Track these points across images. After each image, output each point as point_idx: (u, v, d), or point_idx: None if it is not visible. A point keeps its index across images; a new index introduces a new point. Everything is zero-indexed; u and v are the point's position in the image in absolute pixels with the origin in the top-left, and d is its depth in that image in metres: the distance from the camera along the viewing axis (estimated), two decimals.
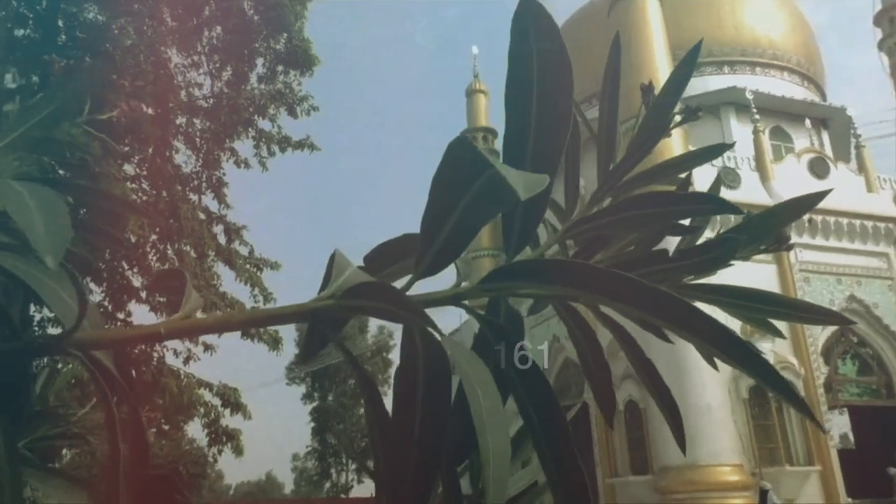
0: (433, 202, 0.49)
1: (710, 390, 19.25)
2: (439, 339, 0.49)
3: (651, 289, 0.50)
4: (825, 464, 19.91)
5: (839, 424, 22.93)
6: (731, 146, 0.79)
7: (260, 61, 11.97)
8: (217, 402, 11.35)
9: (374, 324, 41.33)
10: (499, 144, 36.27)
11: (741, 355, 0.52)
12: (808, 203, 0.75)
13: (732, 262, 0.74)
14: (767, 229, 0.74)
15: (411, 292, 0.58)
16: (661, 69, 22.43)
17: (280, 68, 12.21)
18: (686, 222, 0.78)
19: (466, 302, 0.66)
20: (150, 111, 10.30)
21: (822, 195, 0.78)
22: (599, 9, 26.82)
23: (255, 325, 0.67)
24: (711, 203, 0.64)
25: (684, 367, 19.37)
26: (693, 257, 0.66)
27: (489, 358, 0.73)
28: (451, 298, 0.57)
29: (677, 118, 0.83)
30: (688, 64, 0.76)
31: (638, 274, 0.66)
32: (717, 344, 0.51)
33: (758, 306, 0.71)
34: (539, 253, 0.69)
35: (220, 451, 11.80)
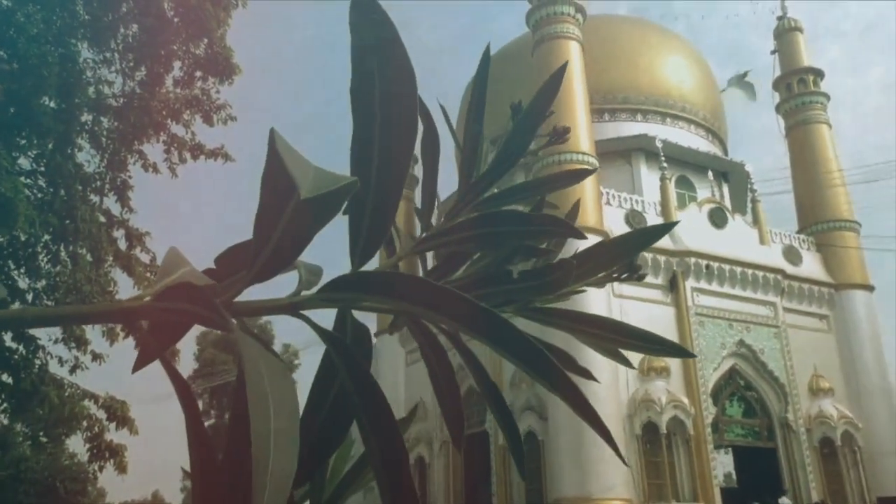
0: (263, 206, 0.48)
1: (606, 424, 19.77)
2: (252, 347, 0.47)
3: (481, 309, 0.50)
4: (709, 501, 20.73)
5: (724, 463, 23.91)
6: (594, 170, 0.81)
7: (177, 65, 11.61)
8: (102, 415, 10.75)
9: (278, 342, 40.34)
10: (419, 168, 36.67)
11: (554, 378, 0.53)
12: (653, 235, 0.78)
13: (585, 288, 0.76)
14: (615, 257, 0.77)
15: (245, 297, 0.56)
16: (579, 111, 23.26)
17: (199, 74, 11.89)
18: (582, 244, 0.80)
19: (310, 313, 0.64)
20: (52, 105, 9.79)
21: (666, 227, 0.81)
22: (523, 48, 27.60)
23: (60, 322, 0.63)
24: (560, 227, 0.66)
25: None
26: (532, 280, 0.67)
27: (334, 380, 0.72)
28: (285, 307, 0.55)
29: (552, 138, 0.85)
30: (552, 87, 0.78)
31: (486, 293, 0.67)
32: (533, 366, 0.52)
33: (608, 335, 0.73)
34: (389, 264, 0.68)
35: (101, 468, 11.15)
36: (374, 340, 32.20)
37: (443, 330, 0.66)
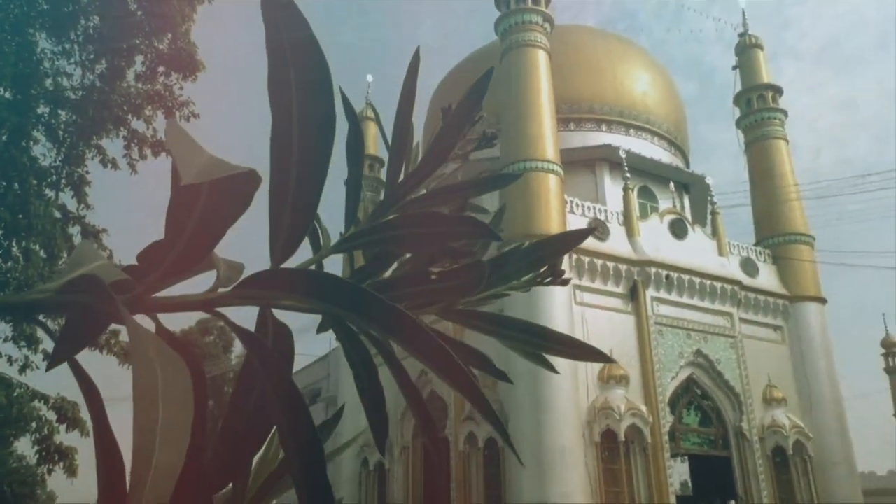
0: (173, 200, 0.47)
1: (565, 432, 19.93)
2: (143, 338, 0.46)
3: (391, 308, 0.50)
4: None
5: (680, 472, 24.25)
6: (518, 176, 0.82)
7: (139, 59, 11.41)
8: (52, 416, 10.48)
9: (238, 344, 39.80)
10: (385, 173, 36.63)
11: (457, 376, 0.53)
12: (574, 239, 0.78)
13: (509, 292, 0.76)
14: (535, 262, 0.77)
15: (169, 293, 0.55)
16: (545, 119, 23.47)
17: (161, 69, 11.70)
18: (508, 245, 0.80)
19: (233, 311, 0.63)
20: (7, 95, 9.54)
21: (587, 232, 0.82)
22: (490, 55, 27.75)
23: None
24: (477, 229, 0.66)
25: (543, 408, 19.98)
26: (449, 281, 0.67)
27: (257, 381, 0.71)
28: (200, 304, 0.54)
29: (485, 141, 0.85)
30: (479, 89, 0.78)
31: (409, 293, 0.66)
32: (436, 363, 0.52)
33: (533, 340, 0.73)
34: (312, 262, 0.68)
35: (49, 471, 10.86)
36: (336, 344, 31.94)
37: (366, 332, 0.65)
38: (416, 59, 0.76)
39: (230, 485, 0.81)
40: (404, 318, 0.50)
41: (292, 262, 0.68)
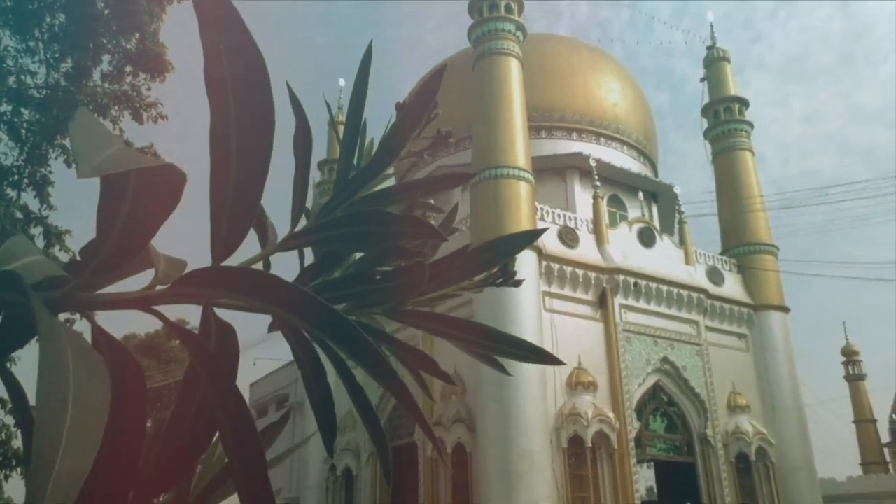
0: (103, 197, 0.46)
1: (533, 437, 19.98)
2: (57, 337, 0.44)
3: (325, 308, 0.50)
4: None
5: (646, 477, 24.47)
6: (472, 175, 0.83)
7: (107, 58, 11.24)
8: (10, 420, 10.24)
9: None
10: None
11: (385, 375, 0.53)
12: (524, 240, 0.79)
13: (460, 292, 0.76)
14: (483, 263, 0.78)
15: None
16: (517, 127, 23.60)
17: (129, 69, 11.54)
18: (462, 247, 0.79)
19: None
20: None
21: (537, 234, 0.83)
22: (463, 62, 27.85)
23: None
24: (423, 229, 0.66)
25: (511, 412, 20.02)
26: (391, 281, 0.67)
27: (200, 384, 0.70)
28: (136, 301, 0.53)
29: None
30: (432, 87, 0.78)
31: (355, 292, 0.66)
32: (367, 363, 0.52)
33: (485, 342, 0.73)
34: (256, 260, 0.67)
35: (6, 477, 10.61)
36: None
37: (311, 333, 0.65)
38: (367, 55, 0.77)
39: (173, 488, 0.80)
40: (339, 319, 0.50)
41: (240, 262, 0.67)
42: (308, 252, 0.76)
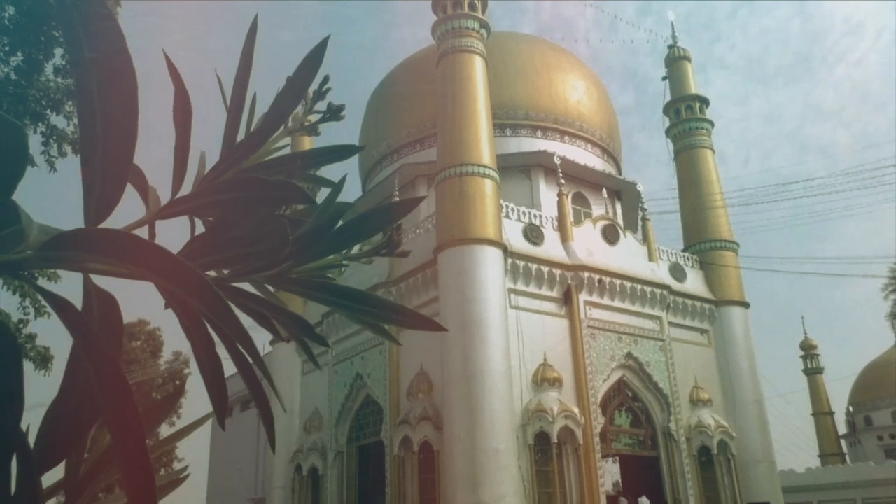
0: None
1: (499, 434, 20.06)
2: None
3: (193, 273, 0.47)
4: None
5: (611, 472, 24.71)
6: (360, 148, 0.80)
7: (59, 52, 10.97)
8: None
9: (168, 349, 38.66)
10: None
11: (240, 339, 0.50)
12: (404, 208, 0.77)
13: (346, 262, 0.74)
14: (366, 230, 0.76)
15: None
16: (481, 124, 23.65)
17: None
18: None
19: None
20: None
21: (416, 201, 0.81)
22: (427, 60, 27.85)
23: None
24: (297, 194, 0.64)
25: (477, 409, 20.08)
26: (253, 246, 0.64)
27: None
28: (1, 267, 0.50)
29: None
30: (315, 57, 0.76)
31: (230, 257, 0.64)
32: (227, 328, 0.49)
33: (369, 309, 0.71)
34: (130, 228, 0.64)
35: None
36: (269, 348, 31.47)
37: (196, 306, 0.62)
38: (254, 25, 0.75)
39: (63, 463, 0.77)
40: (200, 281, 0.47)
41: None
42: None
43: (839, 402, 52.63)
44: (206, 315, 0.65)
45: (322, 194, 0.80)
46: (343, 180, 0.85)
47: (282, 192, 0.62)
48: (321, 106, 0.79)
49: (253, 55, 0.72)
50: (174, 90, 0.70)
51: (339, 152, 0.78)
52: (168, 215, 0.64)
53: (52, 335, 11.77)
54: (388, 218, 0.75)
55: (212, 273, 0.64)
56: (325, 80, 0.74)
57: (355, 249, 0.78)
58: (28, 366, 11.32)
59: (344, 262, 0.74)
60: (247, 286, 0.71)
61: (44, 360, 11.65)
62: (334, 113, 0.81)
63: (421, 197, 0.86)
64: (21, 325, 11.43)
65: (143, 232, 0.71)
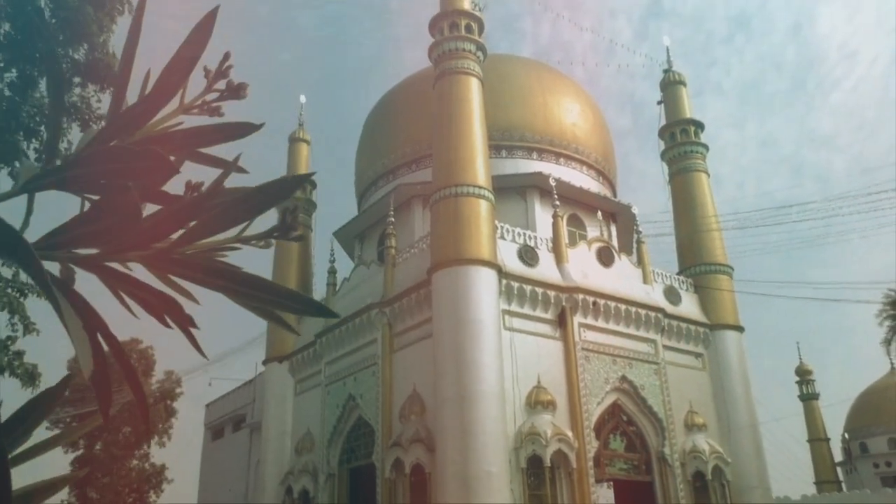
0: None
1: (492, 457, 19.85)
2: None
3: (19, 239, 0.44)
4: None
5: (605, 497, 24.40)
6: (257, 127, 0.77)
7: None
8: None
9: (160, 367, 38.40)
10: (318, 195, 35.65)
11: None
12: (291, 185, 0.74)
13: (239, 245, 0.71)
14: (252, 208, 0.72)
15: None
16: (477, 145, 23.72)
17: (77, 80, 11.31)
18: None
19: None
20: None
21: (304, 177, 0.78)
22: (424, 81, 28.02)
23: None
24: (161, 162, 0.60)
25: (470, 432, 19.89)
26: (104, 221, 0.61)
27: None
28: None
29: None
30: (205, 27, 0.73)
31: (80, 234, 0.60)
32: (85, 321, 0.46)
33: (262, 295, 0.68)
34: (9, 195, 0.61)
35: None
36: (262, 369, 31.10)
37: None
38: (140, 7, 0.72)
39: None
40: (28, 255, 0.44)
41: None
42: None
43: (835, 428, 52.30)
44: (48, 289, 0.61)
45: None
46: (237, 158, 0.81)
47: (145, 161, 0.59)
48: (222, 85, 0.76)
49: (141, 25, 0.70)
50: (46, 58, 0.67)
51: (235, 130, 0.75)
52: (34, 188, 0.61)
53: (40, 353, 11.67)
54: (276, 194, 0.71)
55: (84, 251, 0.61)
56: (226, 56, 0.71)
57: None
58: (15, 383, 11.23)
59: (237, 245, 0.71)
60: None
61: (31, 378, 11.55)
62: (234, 91, 0.78)
63: (309, 174, 0.82)
64: (9, 342, 11.34)
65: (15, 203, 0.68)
